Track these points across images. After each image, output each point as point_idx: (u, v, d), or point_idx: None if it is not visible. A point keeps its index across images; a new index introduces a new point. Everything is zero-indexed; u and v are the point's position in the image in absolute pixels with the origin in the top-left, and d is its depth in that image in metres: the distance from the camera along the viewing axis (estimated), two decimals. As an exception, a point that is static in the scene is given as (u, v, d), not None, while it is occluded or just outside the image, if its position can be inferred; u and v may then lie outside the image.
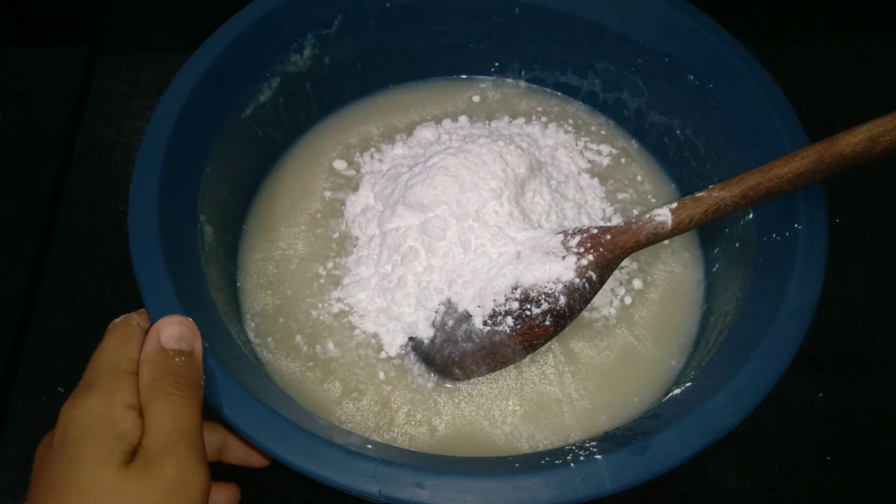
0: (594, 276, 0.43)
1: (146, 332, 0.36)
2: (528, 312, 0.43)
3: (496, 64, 0.61)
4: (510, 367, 0.47)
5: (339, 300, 0.50)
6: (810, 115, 0.47)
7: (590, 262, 0.43)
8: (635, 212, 0.55)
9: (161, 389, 0.33)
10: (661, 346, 0.49)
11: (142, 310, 0.38)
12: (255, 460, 0.44)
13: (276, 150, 0.56)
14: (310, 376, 0.47)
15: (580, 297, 0.43)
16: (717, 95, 0.50)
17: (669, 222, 0.42)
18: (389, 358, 0.47)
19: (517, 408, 0.46)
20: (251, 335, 0.48)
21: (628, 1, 0.53)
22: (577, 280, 0.43)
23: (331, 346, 0.48)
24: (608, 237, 0.44)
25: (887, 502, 0.49)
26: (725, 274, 0.49)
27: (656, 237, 0.43)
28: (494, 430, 0.46)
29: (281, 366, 0.47)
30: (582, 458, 0.35)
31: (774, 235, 0.44)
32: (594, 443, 0.38)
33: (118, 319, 0.37)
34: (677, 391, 0.43)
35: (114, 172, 0.60)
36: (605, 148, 0.58)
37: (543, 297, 0.43)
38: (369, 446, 0.36)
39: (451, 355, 0.45)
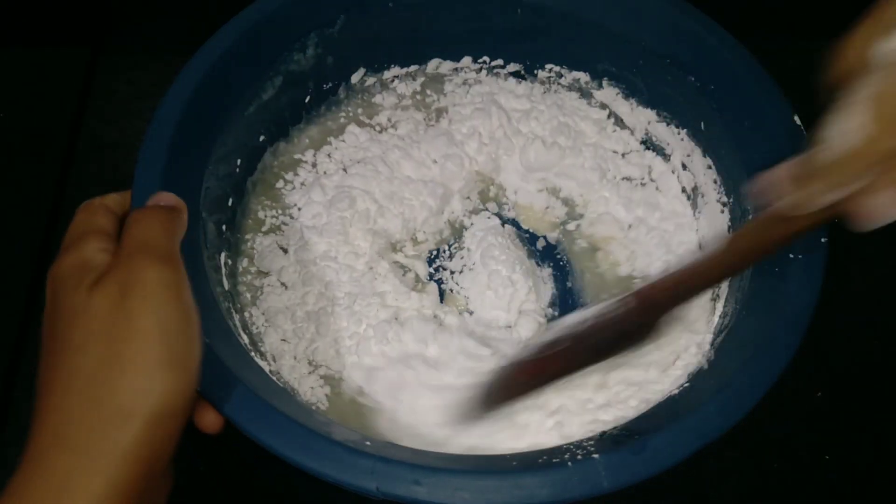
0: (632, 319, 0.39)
1: (113, 212, 0.39)
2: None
3: (498, 62, 0.61)
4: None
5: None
6: (811, 116, 0.47)
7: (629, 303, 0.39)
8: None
9: (129, 223, 0.35)
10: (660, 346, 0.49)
11: (111, 194, 0.40)
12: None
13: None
14: (308, 375, 0.47)
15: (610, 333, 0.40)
16: (717, 97, 0.50)
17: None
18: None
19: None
20: (252, 331, 0.48)
21: (629, 2, 0.53)
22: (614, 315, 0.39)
23: (324, 345, 0.48)
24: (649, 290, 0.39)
25: (887, 502, 0.49)
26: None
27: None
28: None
29: (280, 362, 0.47)
30: (579, 456, 0.36)
31: (774, 237, 0.44)
32: (592, 442, 0.38)
33: (86, 202, 0.39)
34: (676, 391, 0.43)
35: (115, 173, 0.60)
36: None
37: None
38: (368, 443, 0.36)
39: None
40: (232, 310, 0.47)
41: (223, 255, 0.49)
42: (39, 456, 0.31)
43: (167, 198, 0.38)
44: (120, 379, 0.31)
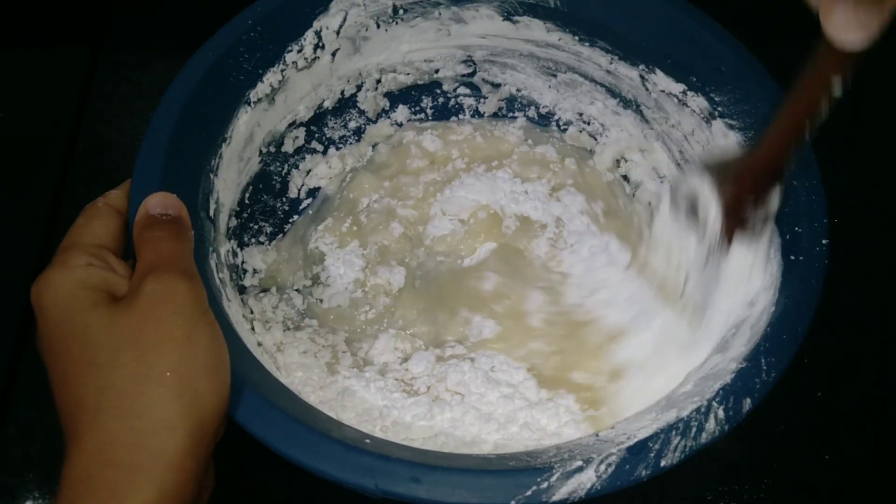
0: None
1: (116, 210, 0.39)
2: None
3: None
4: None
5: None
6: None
7: None
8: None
9: (146, 238, 0.36)
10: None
11: (111, 191, 0.40)
12: None
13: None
14: (308, 372, 0.47)
15: None
16: (719, 97, 0.50)
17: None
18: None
19: (515, 405, 0.46)
20: (255, 328, 0.48)
21: (630, 2, 0.53)
22: None
23: (321, 341, 0.49)
24: None
25: (887, 502, 0.49)
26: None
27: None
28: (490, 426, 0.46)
29: (282, 359, 0.47)
30: (577, 456, 0.36)
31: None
32: (590, 442, 0.38)
33: (89, 204, 0.40)
34: (674, 391, 0.43)
35: (116, 173, 0.60)
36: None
37: None
38: (367, 441, 0.36)
39: None
40: (233, 306, 0.47)
41: (224, 251, 0.49)
42: (85, 475, 0.31)
43: (167, 200, 0.38)
44: (157, 389, 0.31)
